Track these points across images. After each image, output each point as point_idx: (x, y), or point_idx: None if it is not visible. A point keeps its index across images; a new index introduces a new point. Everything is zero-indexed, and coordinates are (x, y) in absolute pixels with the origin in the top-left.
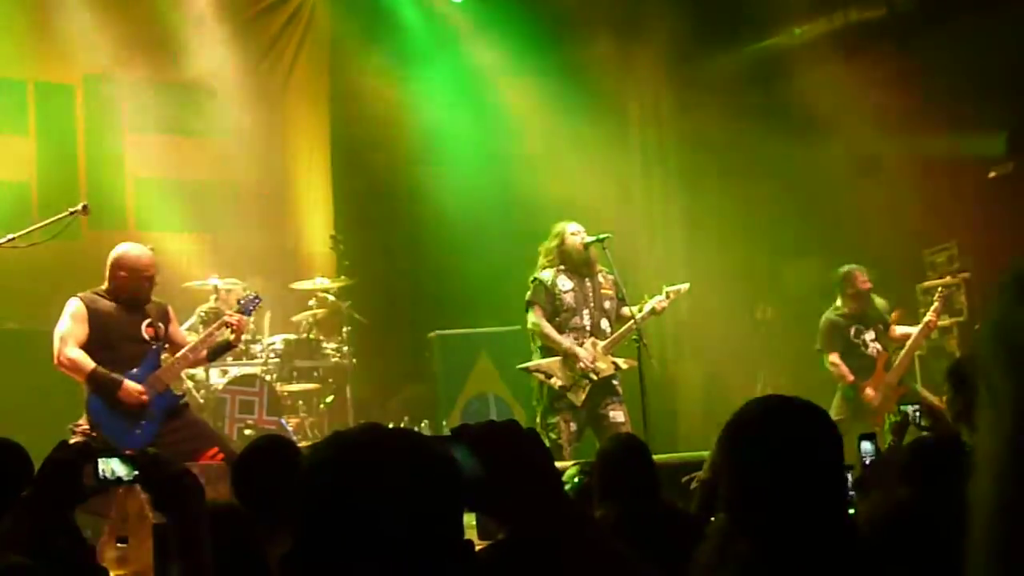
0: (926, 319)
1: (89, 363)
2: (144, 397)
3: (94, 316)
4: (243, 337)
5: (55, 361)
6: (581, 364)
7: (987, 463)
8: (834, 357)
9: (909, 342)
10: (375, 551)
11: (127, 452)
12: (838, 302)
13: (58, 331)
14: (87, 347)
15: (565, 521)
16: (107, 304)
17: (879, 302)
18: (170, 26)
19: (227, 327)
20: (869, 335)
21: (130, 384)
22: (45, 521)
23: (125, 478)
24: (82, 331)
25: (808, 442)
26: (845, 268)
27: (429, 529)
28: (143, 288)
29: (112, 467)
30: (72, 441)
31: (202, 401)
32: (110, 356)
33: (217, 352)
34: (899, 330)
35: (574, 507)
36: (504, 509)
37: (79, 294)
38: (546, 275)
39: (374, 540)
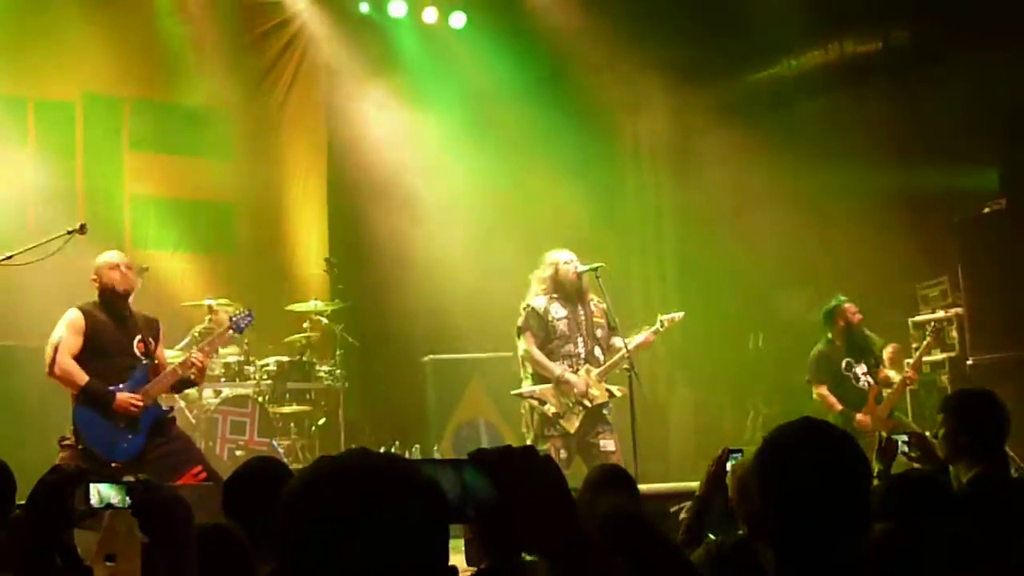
0: (905, 373)
1: (83, 375)
2: (140, 403)
3: (91, 327)
4: (236, 359)
5: (47, 370)
6: (574, 391)
7: None
8: (822, 390)
9: (898, 384)
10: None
11: (124, 479)
12: (829, 334)
13: (52, 340)
14: (79, 357)
15: (577, 547)
16: (102, 317)
17: (874, 338)
18: (170, 47)
19: (191, 366)
20: (860, 368)
21: (123, 394)
22: (35, 542)
23: (117, 504)
24: (76, 342)
25: (841, 465)
26: (834, 301)
27: (412, 554)
28: (116, 280)
29: (104, 493)
30: (60, 455)
31: (194, 420)
32: (100, 368)
33: (181, 386)
34: (887, 372)
35: (587, 533)
36: (515, 534)
37: (78, 304)
38: (539, 302)
39: (356, 565)
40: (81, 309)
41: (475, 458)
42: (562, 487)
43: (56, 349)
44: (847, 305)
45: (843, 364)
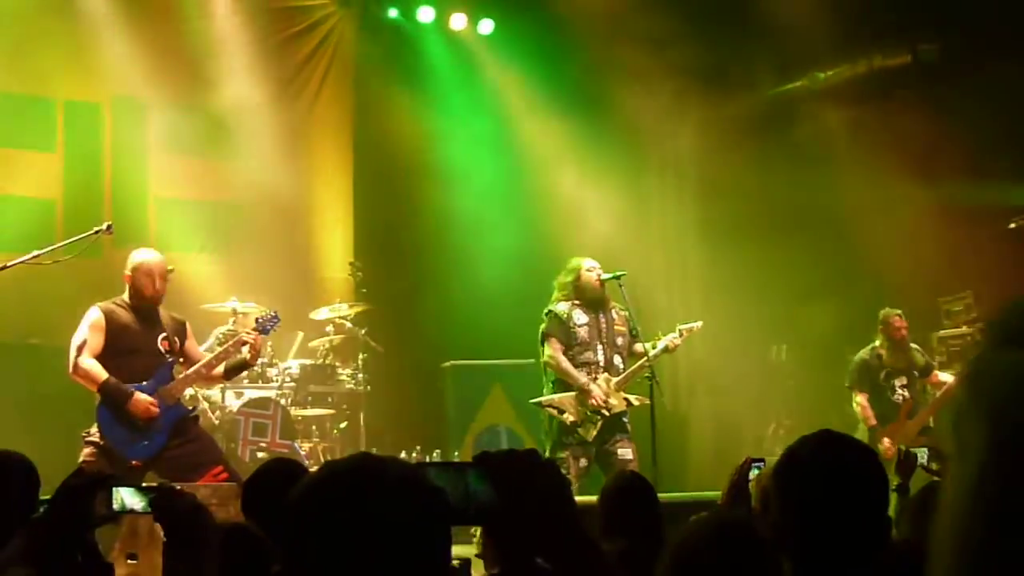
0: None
1: (102, 373)
2: (154, 409)
3: (112, 325)
4: (260, 360)
5: (70, 369)
6: (594, 400)
7: (951, 516)
8: (861, 398)
9: (935, 399)
10: None
11: (146, 486)
12: (876, 342)
13: (75, 340)
14: (102, 356)
15: (577, 551)
16: (125, 314)
17: (918, 353)
18: (198, 50)
19: (244, 345)
20: (899, 381)
21: (140, 396)
22: (56, 543)
23: (139, 510)
24: (98, 341)
25: (859, 478)
26: (884, 311)
27: (413, 555)
28: (147, 287)
29: (126, 497)
30: (83, 451)
31: (216, 422)
32: (124, 366)
33: (234, 370)
34: (940, 376)
35: (588, 538)
36: (519, 537)
37: (99, 303)
38: (562, 308)
39: (357, 566)
40: (102, 308)
41: (478, 460)
42: (564, 490)
43: (78, 349)
44: (895, 318)
45: (883, 375)
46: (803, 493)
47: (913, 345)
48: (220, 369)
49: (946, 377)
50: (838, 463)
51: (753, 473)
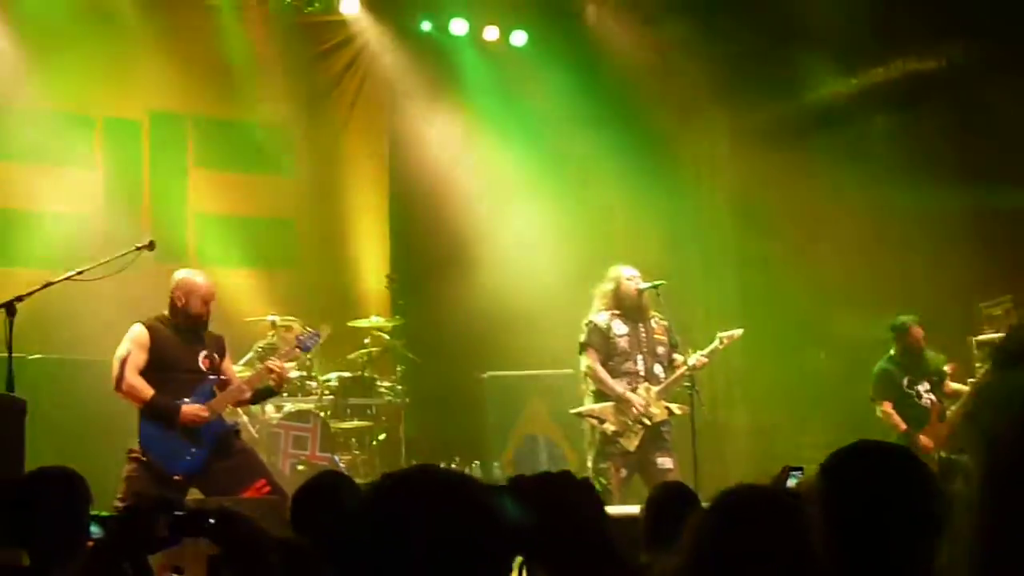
0: (973, 384)
1: (148, 390)
2: (204, 414)
3: (155, 343)
4: (299, 374)
5: (115, 386)
6: (634, 409)
7: (956, 534)
8: (886, 406)
9: (961, 399)
10: None
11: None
12: (892, 351)
13: (118, 356)
14: (144, 372)
15: (613, 571)
16: (167, 332)
17: (934, 356)
18: (235, 66)
19: (271, 373)
20: (923, 386)
21: (188, 407)
22: (117, 567)
23: (198, 534)
24: (142, 358)
25: (907, 487)
26: (902, 319)
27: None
28: (194, 309)
29: (187, 521)
30: (126, 468)
31: (256, 435)
32: (165, 383)
33: (260, 396)
34: (953, 386)
35: (623, 557)
36: (554, 558)
37: (142, 320)
38: (601, 318)
39: None
40: (146, 324)
41: (512, 486)
42: (599, 511)
43: (123, 364)
44: (914, 327)
45: (905, 381)
46: (851, 509)
47: (929, 352)
48: (248, 394)
49: (958, 387)
50: (884, 473)
51: (791, 482)
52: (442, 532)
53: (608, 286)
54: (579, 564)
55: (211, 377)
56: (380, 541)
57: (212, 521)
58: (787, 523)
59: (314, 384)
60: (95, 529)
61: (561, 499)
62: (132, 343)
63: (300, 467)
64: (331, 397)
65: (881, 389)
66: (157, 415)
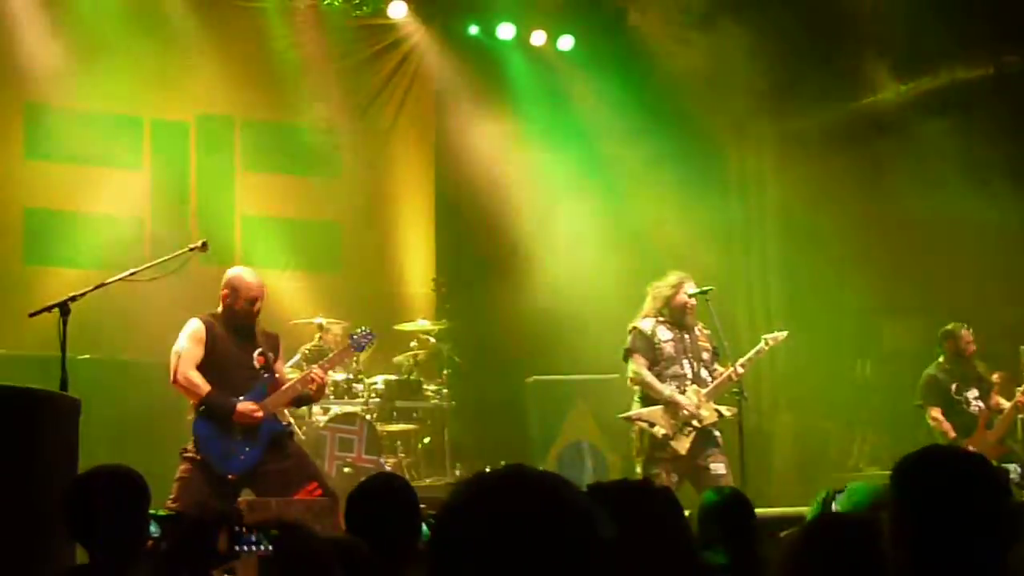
0: (1017, 399)
1: (205, 385)
2: (259, 414)
3: (211, 338)
4: (345, 376)
5: (172, 378)
6: (684, 411)
7: None
8: (936, 412)
9: (1007, 412)
10: None
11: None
12: (940, 358)
13: (176, 349)
14: (200, 368)
15: None
16: (221, 329)
17: (982, 367)
18: (282, 68)
19: (312, 383)
20: (972, 393)
21: (243, 404)
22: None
23: (263, 549)
24: (199, 352)
25: (984, 492)
26: (951, 325)
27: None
28: (241, 307)
29: (249, 538)
30: (180, 467)
31: (303, 437)
32: (219, 381)
33: (299, 402)
34: (998, 398)
35: (704, 566)
36: (636, 568)
37: (199, 315)
38: (646, 325)
39: None
40: (202, 319)
41: (592, 492)
42: (680, 519)
43: (179, 358)
44: (964, 332)
45: (953, 388)
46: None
47: (977, 361)
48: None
49: (1002, 401)
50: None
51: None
52: (544, 537)
53: (666, 291)
54: (663, 570)
55: (265, 376)
56: (479, 543)
57: (274, 534)
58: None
59: (361, 387)
60: (153, 528)
61: (645, 509)
62: (188, 337)
63: (346, 469)
64: (377, 400)
65: (929, 395)
66: (212, 411)
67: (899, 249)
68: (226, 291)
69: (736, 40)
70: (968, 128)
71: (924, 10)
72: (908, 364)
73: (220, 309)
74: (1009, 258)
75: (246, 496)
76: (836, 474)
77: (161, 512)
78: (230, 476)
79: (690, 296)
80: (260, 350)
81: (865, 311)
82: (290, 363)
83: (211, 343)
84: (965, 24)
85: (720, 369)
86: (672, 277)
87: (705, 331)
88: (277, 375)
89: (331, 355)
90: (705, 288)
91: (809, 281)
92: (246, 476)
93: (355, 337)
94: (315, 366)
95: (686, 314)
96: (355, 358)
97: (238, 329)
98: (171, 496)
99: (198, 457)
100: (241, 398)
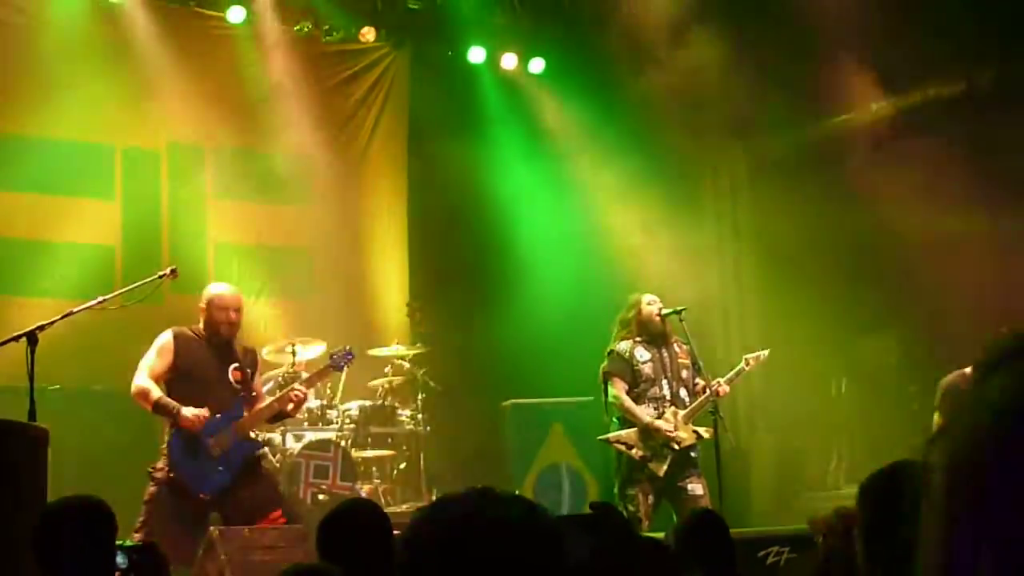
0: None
1: (155, 392)
2: (205, 413)
3: (181, 348)
4: (319, 403)
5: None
6: (663, 434)
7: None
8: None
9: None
10: None
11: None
12: (967, 369)
13: (141, 362)
14: (172, 381)
15: None
16: (198, 343)
17: None
18: (254, 95)
19: (291, 401)
20: None
21: (187, 409)
22: None
23: None
24: (162, 363)
25: None
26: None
27: None
28: (217, 319)
29: None
30: (148, 489)
31: (277, 465)
32: (196, 396)
33: (275, 418)
34: None
35: None
36: None
37: (177, 327)
38: (623, 346)
39: None
40: (174, 331)
41: (578, 516)
42: (652, 545)
43: (139, 368)
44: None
45: None
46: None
47: None
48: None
49: None
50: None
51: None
52: (506, 563)
53: (629, 313)
54: None
55: (241, 395)
56: (441, 569)
57: None
58: None
59: (335, 413)
60: (120, 559)
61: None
62: (155, 348)
63: (321, 496)
64: (352, 426)
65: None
66: (161, 413)
67: (874, 267)
68: (203, 306)
69: (709, 61)
70: (941, 146)
71: (897, 29)
72: (883, 382)
73: (201, 325)
74: (984, 277)
75: (214, 522)
76: (814, 492)
77: (128, 543)
78: (203, 495)
79: (664, 316)
80: (237, 364)
81: (840, 329)
82: (264, 389)
83: (179, 353)
84: (938, 43)
85: (701, 383)
86: (630, 300)
87: (684, 345)
88: (255, 392)
89: (311, 375)
90: (679, 308)
91: (784, 300)
92: (218, 497)
93: (335, 356)
94: (297, 383)
95: (657, 325)
96: (328, 381)
97: (217, 344)
98: (140, 518)
99: (171, 474)
100: (217, 417)
